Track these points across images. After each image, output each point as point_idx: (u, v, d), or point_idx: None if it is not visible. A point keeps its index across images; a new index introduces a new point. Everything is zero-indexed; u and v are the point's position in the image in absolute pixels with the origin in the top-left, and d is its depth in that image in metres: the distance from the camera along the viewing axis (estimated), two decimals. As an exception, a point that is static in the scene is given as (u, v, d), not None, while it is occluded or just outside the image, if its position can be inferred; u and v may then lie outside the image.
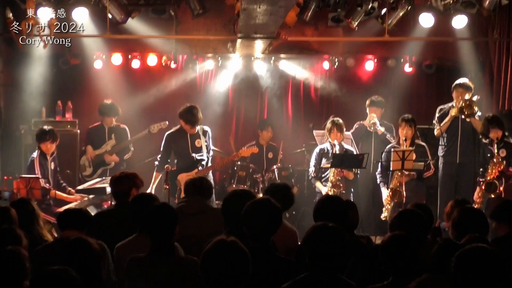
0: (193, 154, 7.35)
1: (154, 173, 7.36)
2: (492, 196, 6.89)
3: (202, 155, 7.39)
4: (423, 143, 7.43)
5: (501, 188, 6.83)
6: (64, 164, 7.83)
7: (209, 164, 7.53)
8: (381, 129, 7.87)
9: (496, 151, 6.94)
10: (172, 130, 7.50)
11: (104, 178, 7.67)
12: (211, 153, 7.63)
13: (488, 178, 6.92)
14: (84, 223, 4.19)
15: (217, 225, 4.05)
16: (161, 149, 7.45)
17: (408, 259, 3.29)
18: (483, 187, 6.95)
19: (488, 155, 7.13)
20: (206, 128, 7.53)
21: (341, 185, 7.22)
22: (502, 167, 6.87)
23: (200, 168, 7.35)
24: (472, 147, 7.82)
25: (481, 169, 7.25)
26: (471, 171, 7.75)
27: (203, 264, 2.84)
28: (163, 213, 3.65)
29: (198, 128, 7.38)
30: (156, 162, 7.44)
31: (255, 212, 3.44)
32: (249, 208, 3.48)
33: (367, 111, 8.06)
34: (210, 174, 7.57)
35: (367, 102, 8.09)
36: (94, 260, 3.31)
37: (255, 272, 3.28)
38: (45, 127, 7.33)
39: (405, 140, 7.20)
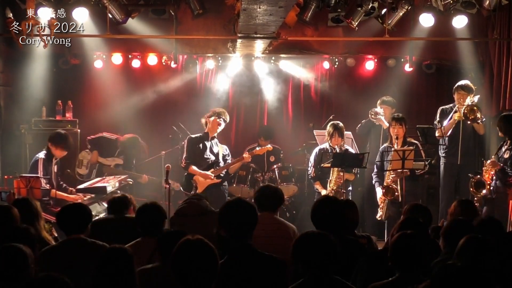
0: (210, 154, 7.56)
1: (191, 167, 7.45)
2: (484, 192, 6.82)
3: (218, 158, 7.62)
4: (416, 142, 7.43)
5: (488, 187, 6.78)
6: (64, 163, 7.82)
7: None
8: (385, 123, 7.89)
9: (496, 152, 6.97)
10: (193, 135, 7.72)
11: (104, 177, 7.67)
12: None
13: (478, 177, 6.90)
14: (84, 223, 4.17)
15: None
16: (186, 150, 7.61)
17: (416, 257, 3.33)
18: (472, 185, 6.92)
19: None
20: (225, 146, 7.82)
21: (344, 191, 7.23)
22: (497, 168, 6.81)
23: (215, 168, 7.55)
24: (473, 148, 7.80)
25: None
26: (472, 172, 7.73)
27: (172, 264, 2.91)
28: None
29: (218, 142, 7.70)
30: (186, 160, 7.56)
31: (231, 212, 3.50)
32: (224, 209, 3.55)
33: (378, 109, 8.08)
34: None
35: (379, 101, 8.14)
36: (131, 266, 3.28)
37: (241, 271, 3.32)
38: (63, 131, 7.32)
39: (397, 138, 7.23)
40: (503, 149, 6.89)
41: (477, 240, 3.47)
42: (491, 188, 6.79)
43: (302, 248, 3.20)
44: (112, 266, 3.21)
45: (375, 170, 7.50)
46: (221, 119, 7.55)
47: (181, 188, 7.85)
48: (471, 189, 6.82)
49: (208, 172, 7.48)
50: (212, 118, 7.55)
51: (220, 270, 3.31)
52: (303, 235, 3.27)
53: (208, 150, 7.61)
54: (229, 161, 7.75)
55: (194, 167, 7.48)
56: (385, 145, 7.49)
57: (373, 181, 7.54)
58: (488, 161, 6.86)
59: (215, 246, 2.95)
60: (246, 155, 7.72)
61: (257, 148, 8.00)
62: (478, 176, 6.88)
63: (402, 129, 7.32)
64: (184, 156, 7.63)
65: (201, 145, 7.58)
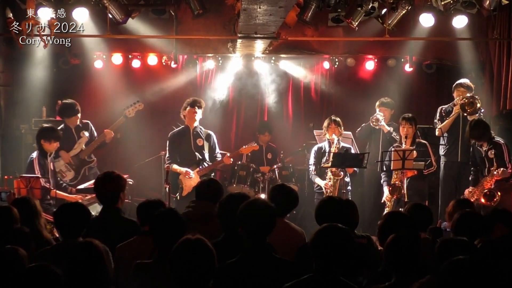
0: (196, 153, 7.46)
1: (172, 166, 7.34)
2: (492, 204, 6.85)
3: (204, 155, 7.50)
4: (425, 142, 7.44)
5: (499, 193, 6.80)
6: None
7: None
8: (386, 127, 7.88)
9: (484, 154, 7.01)
10: (174, 131, 7.64)
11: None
12: (219, 156, 7.70)
13: (486, 190, 6.90)
14: (82, 223, 4.05)
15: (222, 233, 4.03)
16: (168, 149, 7.59)
17: (411, 259, 3.29)
18: (483, 198, 6.90)
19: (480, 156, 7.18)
20: (210, 132, 7.68)
21: (341, 172, 7.21)
22: (499, 178, 6.85)
23: (201, 167, 7.44)
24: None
25: (472, 168, 7.31)
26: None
27: (171, 262, 2.90)
28: (170, 219, 3.65)
29: (202, 130, 7.57)
30: (168, 160, 7.52)
31: (251, 212, 3.47)
32: (245, 208, 3.51)
33: (377, 111, 8.07)
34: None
35: (377, 103, 8.11)
36: (101, 262, 3.23)
37: (252, 272, 3.30)
38: (49, 125, 7.25)
39: (406, 137, 7.24)
40: (483, 153, 7.03)
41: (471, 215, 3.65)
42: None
43: (323, 241, 3.09)
44: (82, 261, 3.14)
45: (384, 169, 7.50)
46: (196, 106, 7.51)
47: None
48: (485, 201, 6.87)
49: (189, 170, 7.39)
50: (188, 109, 7.52)
51: (232, 267, 3.32)
52: (324, 227, 3.15)
53: (192, 145, 7.50)
54: (217, 148, 7.69)
55: (175, 166, 7.39)
56: (395, 144, 7.49)
57: (382, 180, 7.56)
58: (500, 171, 6.83)
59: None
60: (227, 156, 7.64)
61: (244, 147, 7.89)
62: (487, 188, 6.91)
63: (412, 128, 7.33)
64: (167, 156, 7.57)
65: (184, 141, 7.50)
